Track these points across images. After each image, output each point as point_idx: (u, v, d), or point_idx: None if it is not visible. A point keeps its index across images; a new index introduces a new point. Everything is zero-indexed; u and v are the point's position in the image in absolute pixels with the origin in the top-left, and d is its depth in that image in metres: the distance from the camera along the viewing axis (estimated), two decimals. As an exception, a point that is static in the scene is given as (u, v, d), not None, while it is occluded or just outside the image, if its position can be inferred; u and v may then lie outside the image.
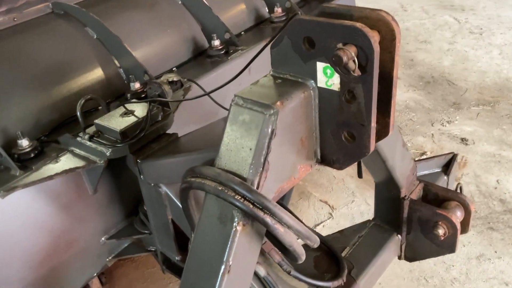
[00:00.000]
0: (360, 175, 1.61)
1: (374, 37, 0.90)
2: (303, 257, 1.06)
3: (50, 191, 1.69)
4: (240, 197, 0.94)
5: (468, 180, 2.71)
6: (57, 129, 1.85)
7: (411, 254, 1.83)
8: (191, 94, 1.94)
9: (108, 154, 1.61)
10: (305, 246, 1.77)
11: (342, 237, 1.81)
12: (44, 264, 1.69)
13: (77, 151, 1.68)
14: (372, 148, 1.03)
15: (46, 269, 1.70)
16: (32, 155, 1.67)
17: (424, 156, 2.92)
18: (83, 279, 1.88)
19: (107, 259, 1.92)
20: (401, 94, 3.59)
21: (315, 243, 1.06)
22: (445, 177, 2.05)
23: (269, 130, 0.95)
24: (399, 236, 1.78)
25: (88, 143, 1.65)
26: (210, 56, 2.32)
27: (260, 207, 0.94)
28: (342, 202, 2.65)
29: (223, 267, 0.98)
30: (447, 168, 2.06)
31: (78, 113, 1.72)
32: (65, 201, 1.73)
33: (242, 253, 1.00)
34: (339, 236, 1.82)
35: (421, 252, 1.79)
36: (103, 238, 1.87)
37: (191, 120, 1.99)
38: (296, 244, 1.00)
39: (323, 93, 1.02)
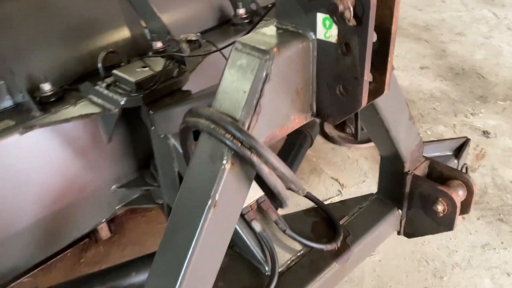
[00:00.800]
0: (356, 137, 1.63)
1: (372, -10, 0.92)
2: (288, 202, 1.10)
3: (67, 135, 1.77)
4: (230, 136, 0.99)
5: (485, 172, 2.68)
6: (79, 80, 1.93)
7: (410, 230, 1.84)
8: (210, 59, 1.99)
9: (122, 102, 1.68)
10: (305, 213, 1.81)
11: (343, 206, 1.84)
12: (56, 203, 1.78)
13: (95, 99, 1.76)
14: (364, 103, 1.05)
15: (57, 208, 1.79)
16: (53, 99, 1.76)
17: (442, 145, 2.90)
18: (92, 223, 1.97)
19: (117, 207, 2.01)
20: (428, 83, 3.54)
21: (300, 189, 1.10)
22: (455, 161, 2.04)
23: (263, 74, 0.99)
24: (399, 211, 1.79)
25: (105, 91, 1.73)
26: (235, 24, 2.36)
27: (248, 147, 0.98)
28: (353, 181, 2.66)
29: (209, 201, 1.03)
30: (458, 152, 2.05)
31: (99, 64, 1.81)
32: (81, 147, 1.82)
33: (229, 191, 1.05)
34: (340, 205, 1.85)
35: (420, 228, 1.80)
36: (114, 186, 1.96)
37: (208, 82, 2.04)
38: (280, 187, 1.04)
39: (322, 45, 1.04)
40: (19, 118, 1.69)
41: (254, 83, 1.00)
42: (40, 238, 1.80)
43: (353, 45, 0.99)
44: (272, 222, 1.60)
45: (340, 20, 0.95)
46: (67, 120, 1.68)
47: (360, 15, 0.94)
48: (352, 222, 1.76)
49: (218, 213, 1.05)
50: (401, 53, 3.91)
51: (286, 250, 1.61)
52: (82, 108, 1.73)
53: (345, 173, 2.72)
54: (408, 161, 1.69)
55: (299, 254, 1.62)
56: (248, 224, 1.57)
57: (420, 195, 1.71)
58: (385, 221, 1.77)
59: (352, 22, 0.94)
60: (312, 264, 1.59)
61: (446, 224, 1.69)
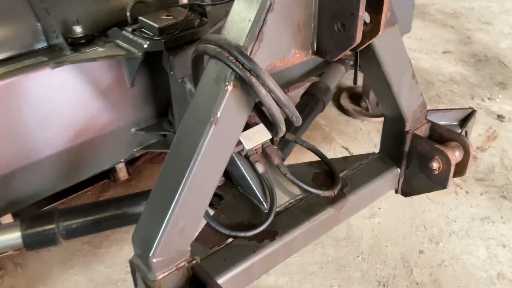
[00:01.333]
0: (355, 82, 1.72)
1: None
2: (283, 127, 1.21)
3: (94, 75, 1.91)
4: (233, 58, 1.10)
5: (494, 152, 2.72)
6: (108, 29, 2.08)
7: (407, 189, 1.92)
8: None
9: (145, 46, 1.81)
10: (308, 165, 1.91)
11: (345, 162, 1.93)
12: (79, 137, 1.94)
13: (121, 43, 1.90)
14: (358, 39, 1.15)
15: (80, 142, 1.94)
16: (83, 41, 1.90)
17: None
18: (111, 161, 2.12)
19: (135, 149, 2.15)
20: (449, 67, 3.57)
21: (294, 115, 1.20)
22: (459, 131, 2.11)
23: (267, 4, 1.09)
24: (398, 169, 1.88)
25: (131, 35, 1.86)
26: None
27: (248, 69, 1.10)
28: (362, 151, 2.73)
29: (211, 118, 1.15)
30: (464, 122, 2.11)
31: (128, 13, 1.94)
32: (105, 87, 1.96)
33: (229, 111, 1.16)
34: (342, 160, 1.95)
35: (416, 186, 1.88)
36: (133, 129, 2.11)
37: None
38: (275, 109, 1.15)
39: (324, -17, 1.14)
40: (51, 55, 1.84)
41: (258, 12, 1.10)
42: (63, 168, 1.96)
43: (350, -17, 1.08)
44: (275, 166, 1.71)
45: (339, -43, 1.05)
46: (94, 59, 1.82)
47: (358, -46, 1.04)
48: (351, 175, 1.85)
49: (219, 131, 1.17)
50: (426, 37, 3.94)
51: (285, 193, 1.72)
52: (108, 50, 1.87)
53: (356, 143, 2.80)
54: (409, 121, 1.77)
55: (297, 198, 1.73)
56: (252, 165, 1.69)
57: (418, 153, 1.79)
58: (383, 177, 1.86)
59: (349, -41, 1.04)
60: (308, 207, 1.70)
61: (440, 182, 1.77)
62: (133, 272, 1.32)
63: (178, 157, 1.22)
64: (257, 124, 1.73)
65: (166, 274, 1.26)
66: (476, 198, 2.42)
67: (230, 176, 1.81)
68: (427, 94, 3.14)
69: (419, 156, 1.79)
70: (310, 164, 1.92)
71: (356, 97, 3.10)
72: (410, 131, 1.79)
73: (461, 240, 2.19)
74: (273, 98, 1.13)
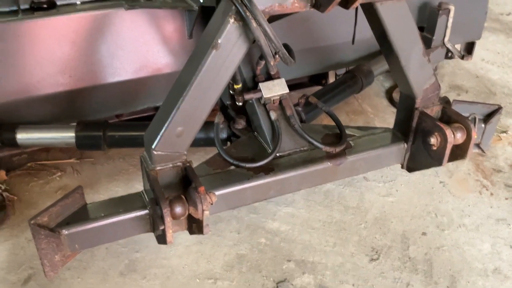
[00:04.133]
0: (353, 42, 1.88)
1: None
2: (271, 60, 1.44)
3: (159, 22, 2.25)
4: (237, -3, 1.37)
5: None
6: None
7: (412, 164, 2.05)
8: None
9: (201, 0, 2.13)
10: (324, 127, 2.09)
11: (358, 130, 2.10)
12: (139, 72, 2.29)
13: (185, -2, 2.24)
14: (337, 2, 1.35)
15: (139, 76, 2.29)
16: (158, -6, 2.27)
17: (504, 135, 2.93)
18: (162, 101, 2.48)
19: (184, 94, 2.49)
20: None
21: (280, 51, 1.43)
22: (483, 125, 2.17)
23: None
24: (405, 144, 2.01)
25: (191, -9, 2.19)
26: None
27: (245, 5, 1.35)
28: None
29: (213, 43, 1.42)
30: (488, 118, 2.16)
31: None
32: (168, 34, 2.30)
33: (229, 40, 1.43)
34: (356, 129, 2.11)
35: (418, 162, 2.00)
36: (185, 76, 2.44)
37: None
38: (263, 41, 1.39)
39: None
40: (129, 0, 2.23)
41: (261, -39, 1.36)
42: (122, 96, 2.35)
43: None
44: (286, 116, 1.94)
45: None
46: (159, 7, 2.18)
47: None
48: (359, 141, 2.02)
49: (218, 54, 1.44)
50: (504, 51, 3.84)
51: (292, 142, 1.94)
52: (174, 2, 2.22)
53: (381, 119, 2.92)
54: (419, 98, 1.90)
55: (301, 148, 1.94)
56: (267, 112, 1.94)
57: (422, 130, 1.92)
58: (388, 148, 2.01)
59: None
60: (308, 156, 1.91)
61: (437, 158, 1.88)
62: (141, 165, 1.64)
63: (185, 73, 1.52)
64: (279, 78, 1.97)
65: (163, 167, 1.56)
66: (499, 201, 2.42)
67: (250, 123, 2.07)
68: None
69: (423, 132, 1.92)
70: (326, 126, 2.11)
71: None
72: (419, 108, 1.92)
73: (469, 233, 2.23)
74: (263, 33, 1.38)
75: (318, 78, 3.09)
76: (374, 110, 3.10)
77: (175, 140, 1.54)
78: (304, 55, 2.61)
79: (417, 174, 2.57)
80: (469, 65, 3.64)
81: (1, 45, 1.98)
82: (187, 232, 1.66)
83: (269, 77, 1.96)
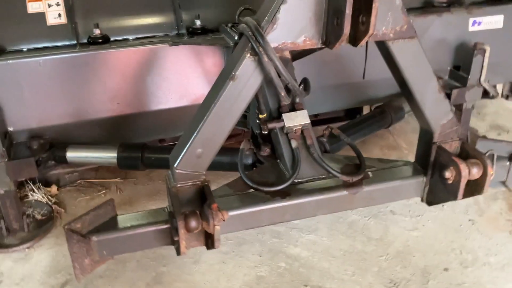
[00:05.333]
0: (363, 76, 1.96)
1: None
2: (282, 92, 1.58)
3: (200, 57, 2.49)
4: (251, 34, 1.53)
5: None
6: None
7: (430, 198, 2.08)
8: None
9: (236, 38, 2.32)
10: (345, 158, 2.18)
11: (379, 162, 2.17)
12: (179, 101, 2.51)
13: (224, 36, 2.45)
14: (346, 31, 1.48)
15: (178, 106, 2.51)
16: (199, 31, 2.50)
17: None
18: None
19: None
20: None
21: (290, 83, 1.57)
22: (507, 163, 2.16)
23: (284, -6, 1.50)
24: (424, 178, 2.05)
25: (229, 30, 2.40)
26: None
27: (258, 42, 1.51)
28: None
29: (231, 75, 1.59)
30: (514, 156, 2.16)
31: (237, 15, 2.49)
32: (207, 68, 2.51)
33: (245, 73, 1.59)
34: (377, 160, 2.18)
35: (437, 196, 2.04)
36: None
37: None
38: (274, 74, 1.54)
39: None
40: (176, 38, 2.47)
41: (276, 2, 1.52)
42: (161, 123, 2.57)
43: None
44: (307, 145, 2.05)
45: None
46: (199, 43, 2.40)
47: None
48: (378, 172, 2.09)
49: (235, 86, 1.61)
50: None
51: (311, 170, 2.04)
52: (212, 39, 2.44)
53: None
54: (437, 132, 1.96)
55: (320, 176, 2.04)
56: (289, 141, 2.06)
57: (440, 164, 1.96)
58: (407, 181, 2.06)
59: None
60: (326, 184, 2.00)
61: (453, 192, 1.92)
62: (166, 183, 1.81)
63: (206, 101, 1.69)
64: (302, 109, 2.10)
65: (183, 185, 1.72)
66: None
67: (275, 151, 2.20)
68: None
69: (440, 166, 1.96)
70: (348, 157, 2.20)
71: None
72: (437, 142, 1.97)
73: (493, 272, 2.19)
74: (274, 67, 1.53)
75: (354, 113, 3.19)
76: (409, 146, 3.13)
77: (195, 160, 1.70)
78: (335, 90, 2.74)
79: (446, 210, 2.57)
80: (514, 105, 3.60)
81: (60, 75, 2.27)
82: (212, 251, 1.81)
83: (293, 109, 2.10)
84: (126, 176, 2.82)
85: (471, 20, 2.85)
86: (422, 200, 2.13)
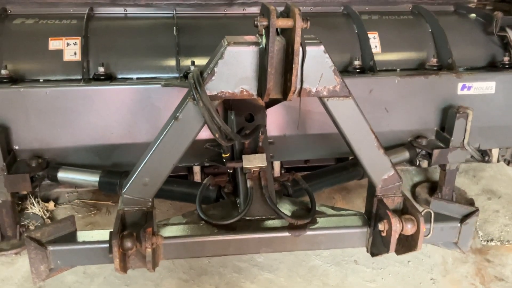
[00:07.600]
0: (298, 127, 2.09)
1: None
2: (216, 134, 1.77)
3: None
4: (193, 82, 1.76)
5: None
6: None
7: (374, 249, 2.15)
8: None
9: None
10: (301, 202, 2.31)
11: (331, 209, 2.28)
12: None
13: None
14: (270, 86, 1.66)
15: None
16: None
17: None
18: (192, 162, 2.88)
19: (206, 159, 2.88)
20: None
21: (221, 127, 1.76)
22: (458, 225, 2.19)
23: (220, 53, 1.73)
24: (368, 229, 2.14)
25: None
26: None
27: (197, 90, 1.74)
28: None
29: (175, 116, 1.82)
30: (465, 219, 2.19)
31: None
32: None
33: (187, 115, 1.81)
34: (331, 208, 2.29)
35: (377, 247, 2.11)
36: (207, 144, 2.84)
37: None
38: (208, 118, 1.74)
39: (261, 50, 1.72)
40: (170, 80, 2.76)
41: (215, 56, 1.75)
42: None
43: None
44: (261, 186, 2.21)
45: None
46: (188, 86, 2.66)
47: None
48: (326, 219, 2.20)
49: (178, 126, 1.83)
50: None
51: (262, 209, 2.19)
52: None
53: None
54: (378, 186, 2.06)
55: (269, 216, 2.18)
56: (245, 180, 2.24)
57: (379, 216, 2.05)
58: (351, 230, 2.16)
59: (261, 31, 1.61)
60: (272, 224, 2.14)
61: (386, 244, 2.00)
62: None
63: (156, 137, 1.92)
64: (262, 153, 2.28)
65: (129, 209, 1.93)
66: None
67: (236, 188, 2.37)
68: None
69: (379, 218, 2.05)
70: (303, 202, 2.33)
71: (432, 188, 3.21)
72: (379, 196, 2.07)
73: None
74: (207, 112, 1.74)
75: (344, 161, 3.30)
76: (394, 200, 3.18)
77: (142, 188, 1.92)
78: (315, 139, 2.89)
79: (410, 266, 2.60)
80: (512, 171, 3.55)
81: (63, 104, 2.59)
82: (173, 277, 2.19)
83: (255, 151, 2.28)
84: (118, 200, 3.07)
85: (460, 84, 2.93)
86: (367, 251, 2.20)
